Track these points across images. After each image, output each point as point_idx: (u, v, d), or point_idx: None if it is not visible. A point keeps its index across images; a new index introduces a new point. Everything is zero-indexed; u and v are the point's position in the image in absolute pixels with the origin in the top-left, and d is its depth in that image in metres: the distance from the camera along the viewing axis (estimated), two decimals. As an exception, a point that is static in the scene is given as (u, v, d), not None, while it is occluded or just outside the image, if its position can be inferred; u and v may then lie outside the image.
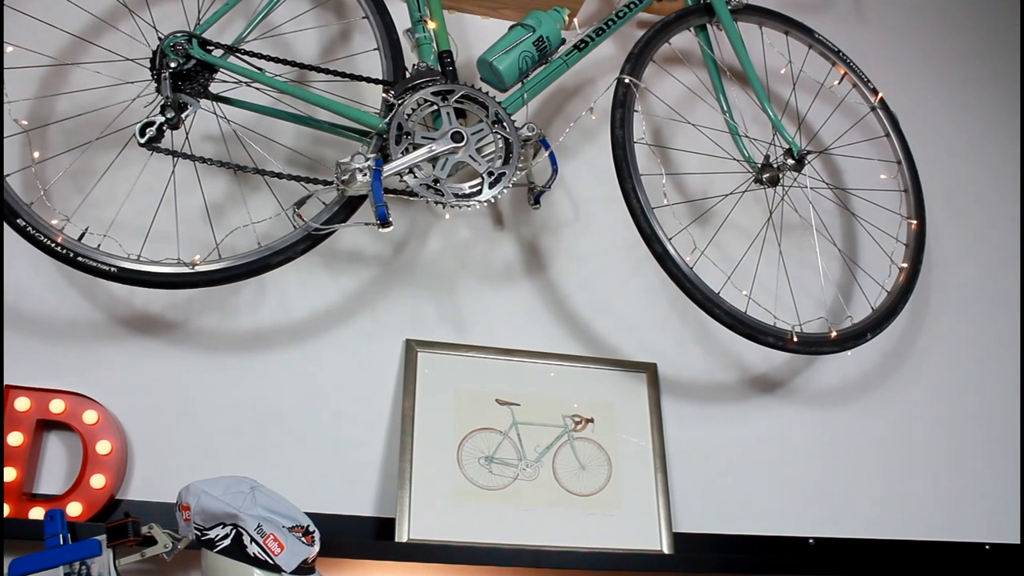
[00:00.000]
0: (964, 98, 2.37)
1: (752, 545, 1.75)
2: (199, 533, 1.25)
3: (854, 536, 1.83)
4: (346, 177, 1.43)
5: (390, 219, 1.38)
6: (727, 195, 1.84)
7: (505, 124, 1.57)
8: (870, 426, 1.95)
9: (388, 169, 1.45)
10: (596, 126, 1.97)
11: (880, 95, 1.96)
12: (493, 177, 1.52)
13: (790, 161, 1.75)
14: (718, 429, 1.83)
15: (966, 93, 2.38)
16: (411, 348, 1.68)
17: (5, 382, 1.46)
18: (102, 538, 1.29)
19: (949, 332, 2.10)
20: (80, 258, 1.39)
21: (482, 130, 1.55)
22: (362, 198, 1.52)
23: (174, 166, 1.56)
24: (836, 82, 1.98)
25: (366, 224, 1.45)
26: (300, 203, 1.46)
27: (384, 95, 1.56)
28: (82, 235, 1.43)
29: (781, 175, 1.76)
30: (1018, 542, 1.89)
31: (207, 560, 1.25)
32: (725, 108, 1.82)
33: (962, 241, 2.21)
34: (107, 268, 1.40)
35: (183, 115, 1.44)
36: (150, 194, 1.62)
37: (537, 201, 1.70)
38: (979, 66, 2.43)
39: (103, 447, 1.47)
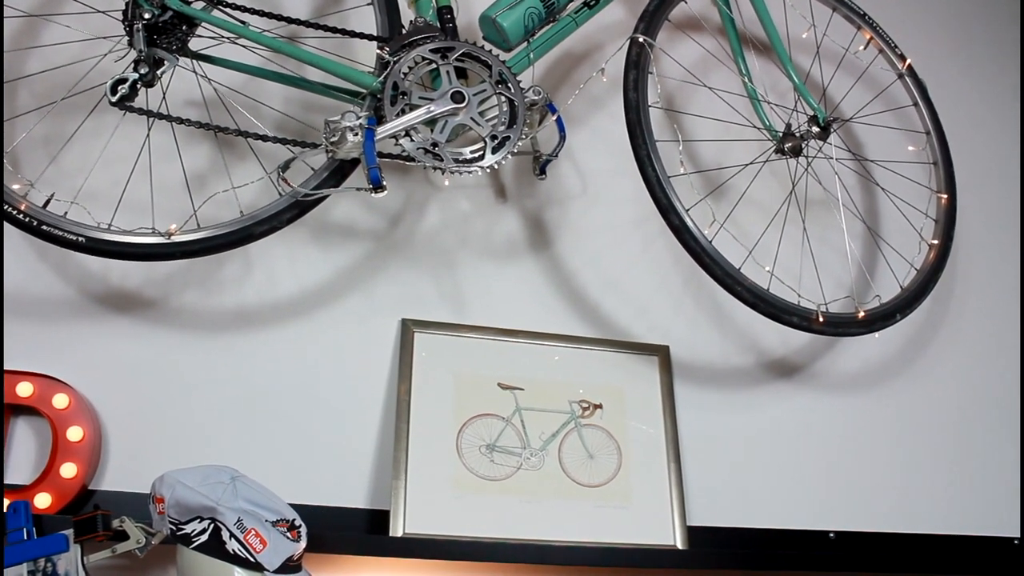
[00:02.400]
0: (993, 67, 2.29)
1: (770, 539, 1.70)
2: (174, 527, 1.17)
3: (877, 530, 1.77)
4: (335, 138, 1.33)
5: (383, 182, 1.27)
6: (747, 165, 1.74)
7: (510, 85, 1.48)
8: (894, 413, 1.89)
9: (382, 131, 1.35)
10: (605, 94, 1.89)
11: (908, 61, 1.88)
12: (496, 141, 1.43)
13: (815, 129, 1.66)
14: (734, 416, 1.78)
15: (995, 62, 2.30)
16: (407, 328, 1.61)
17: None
18: (69, 532, 1.21)
19: (976, 315, 2.04)
20: (44, 227, 1.29)
21: (485, 90, 1.46)
22: (354, 163, 1.43)
23: (149, 128, 1.45)
24: (861, 47, 1.90)
25: (357, 189, 1.36)
26: (285, 166, 1.36)
27: (379, 51, 1.46)
28: (47, 202, 1.33)
29: (804, 144, 1.66)
30: (1019, 535, 1.85)
31: (183, 557, 1.17)
32: (744, 71, 1.72)
33: (990, 219, 2.13)
34: (74, 238, 1.30)
35: (159, 72, 1.34)
36: (126, 162, 1.52)
37: (543, 171, 1.61)
38: (1009, 33, 2.35)
39: (74, 433, 1.39)
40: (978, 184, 2.14)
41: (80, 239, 1.30)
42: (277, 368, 1.56)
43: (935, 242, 1.78)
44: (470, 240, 1.73)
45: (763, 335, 1.84)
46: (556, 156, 1.57)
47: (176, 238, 1.34)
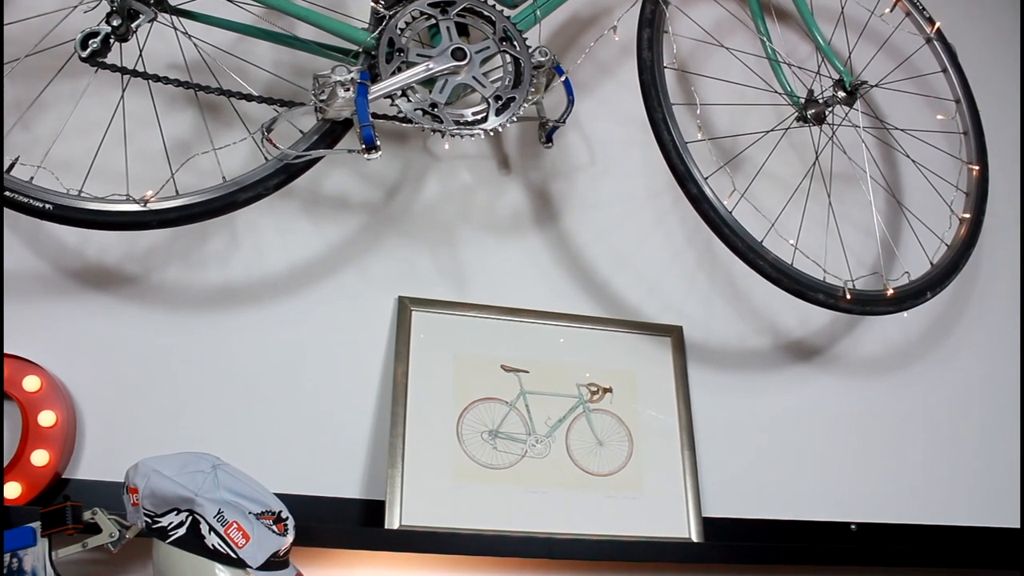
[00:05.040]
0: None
1: (788, 531, 1.64)
2: (149, 520, 1.10)
3: (902, 521, 1.72)
4: (325, 94, 1.24)
5: (377, 143, 1.18)
6: (767, 132, 1.65)
7: (515, 43, 1.40)
8: (918, 399, 1.83)
9: (377, 89, 1.28)
10: (615, 60, 1.82)
11: (937, 25, 1.81)
12: (500, 102, 1.36)
13: (840, 94, 1.58)
14: (751, 401, 1.72)
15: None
16: (404, 307, 1.56)
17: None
18: (36, 526, 1.15)
19: (1004, 294, 1.98)
20: (8, 193, 1.22)
21: (488, 48, 1.38)
22: (346, 126, 1.35)
23: (124, 88, 1.37)
24: (887, 10, 1.82)
25: (349, 151, 1.27)
26: (270, 126, 1.27)
27: (373, 5, 1.38)
28: (11, 166, 1.25)
29: (829, 111, 1.57)
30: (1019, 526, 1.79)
31: (159, 552, 1.11)
32: (763, 30, 1.63)
33: (1017, 192, 2.06)
34: (40, 205, 1.22)
35: (133, 25, 1.25)
36: (104, 128, 1.44)
37: (549, 139, 1.55)
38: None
39: (46, 418, 1.33)
40: (1006, 155, 2.06)
41: (47, 206, 1.22)
42: (265, 349, 1.50)
43: (966, 216, 1.71)
44: (471, 213, 1.67)
45: (781, 315, 1.77)
46: (564, 123, 1.51)
47: (152, 205, 1.26)
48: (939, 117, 1.88)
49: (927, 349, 1.87)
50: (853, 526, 1.67)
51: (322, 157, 1.34)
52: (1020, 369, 1.91)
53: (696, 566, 1.54)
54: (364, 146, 1.21)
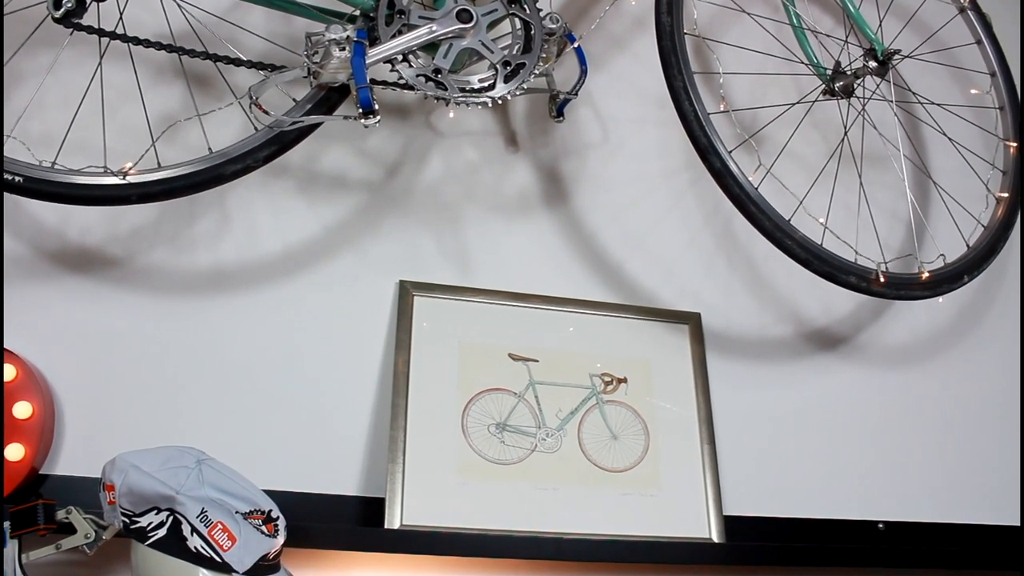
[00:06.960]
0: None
1: (813, 531, 1.59)
2: (127, 520, 1.06)
3: (932, 520, 1.66)
4: (319, 55, 1.17)
5: (375, 106, 1.11)
6: (794, 104, 1.58)
7: (525, 5, 1.34)
8: (949, 390, 1.77)
9: (375, 53, 1.22)
10: (628, 33, 1.76)
11: None
12: (509, 69, 1.30)
13: (871, 64, 1.51)
14: (773, 392, 1.67)
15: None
16: (406, 292, 1.52)
17: None
18: (6, 525, 1.12)
19: None
20: None
21: (495, 10, 1.32)
22: (343, 93, 1.28)
23: (102, 54, 1.30)
24: None
25: (345, 118, 1.22)
26: (258, 89, 1.21)
27: None
28: None
29: (858, 83, 1.51)
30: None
31: (137, 555, 1.07)
32: (788, -2, 1.56)
33: None
34: (10, 178, 1.15)
35: None
36: (87, 100, 1.39)
37: (560, 113, 1.49)
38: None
39: (22, 410, 1.29)
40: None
41: (17, 179, 1.16)
42: (257, 337, 1.47)
43: (1004, 195, 1.64)
44: (477, 193, 1.62)
45: (803, 302, 1.72)
46: (576, 95, 1.45)
47: (132, 178, 1.20)
48: (973, 91, 1.82)
49: (958, 337, 1.81)
50: (881, 525, 1.62)
51: (317, 126, 1.28)
52: (1021, 365, 1.85)
53: (717, 568, 1.50)
54: (361, 111, 1.15)
